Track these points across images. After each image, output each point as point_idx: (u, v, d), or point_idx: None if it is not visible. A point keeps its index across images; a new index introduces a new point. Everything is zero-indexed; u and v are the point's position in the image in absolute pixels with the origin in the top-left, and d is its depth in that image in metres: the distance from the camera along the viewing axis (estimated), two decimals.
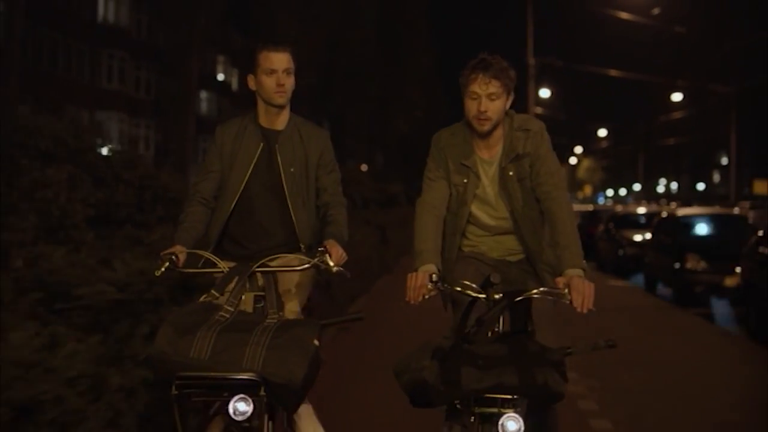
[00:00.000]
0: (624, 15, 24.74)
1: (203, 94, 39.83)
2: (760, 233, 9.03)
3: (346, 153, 38.70)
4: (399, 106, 38.33)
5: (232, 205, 3.20)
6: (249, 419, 2.49)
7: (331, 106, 32.15)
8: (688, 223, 12.49)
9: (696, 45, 40.29)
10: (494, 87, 2.88)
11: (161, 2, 22.57)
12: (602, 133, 67.09)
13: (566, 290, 2.66)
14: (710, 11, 40.27)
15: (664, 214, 13.98)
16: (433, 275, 2.74)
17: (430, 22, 41.49)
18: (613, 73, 28.29)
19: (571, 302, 2.64)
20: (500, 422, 2.46)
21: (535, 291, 2.70)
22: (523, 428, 2.46)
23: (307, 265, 2.91)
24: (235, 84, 42.66)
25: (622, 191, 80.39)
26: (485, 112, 2.90)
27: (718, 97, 36.89)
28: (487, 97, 2.89)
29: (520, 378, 2.43)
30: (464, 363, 2.46)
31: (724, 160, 58.22)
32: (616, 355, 5.64)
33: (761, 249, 8.65)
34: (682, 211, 13.57)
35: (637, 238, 14.49)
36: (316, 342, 2.56)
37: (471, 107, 2.92)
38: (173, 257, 2.89)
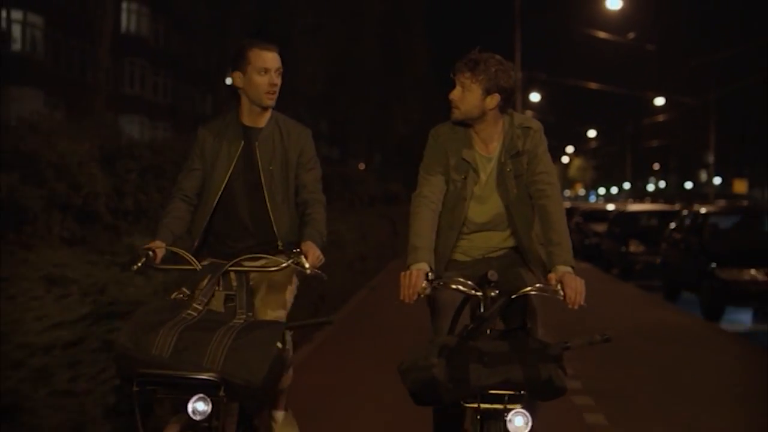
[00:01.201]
0: (602, 34, 28.13)
1: (211, 98, 43.21)
2: (673, 224, 12.50)
3: (349, 154, 41.85)
4: (398, 110, 40.73)
5: (214, 204, 3.20)
6: (208, 419, 2.51)
7: (336, 111, 35.23)
8: (634, 217, 16.02)
9: (666, 61, 44.17)
10: (465, 78, 2.98)
11: (197, 26, 25.79)
12: (591, 133, 70.50)
13: (559, 286, 2.73)
14: (677, 33, 44.10)
15: (622, 209, 17.47)
16: (429, 273, 2.78)
17: (428, 32, 44.64)
18: (592, 85, 31.73)
19: (564, 298, 2.71)
20: (508, 418, 2.51)
21: (530, 288, 2.76)
22: (531, 423, 2.51)
23: (281, 267, 2.92)
24: None
25: (614, 189, 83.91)
26: (451, 99, 3.01)
27: (689, 106, 40.41)
28: (459, 86, 3.00)
29: (525, 374, 2.49)
30: (471, 360, 2.50)
31: (712, 159, 61.55)
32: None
33: (673, 234, 12.10)
34: (631, 208, 17.12)
35: (600, 229, 17.92)
36: (279, 344, 2.58)
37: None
38: (150, 253, 2.92)
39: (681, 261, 11.23)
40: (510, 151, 3.05)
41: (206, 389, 2.50)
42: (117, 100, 35.93)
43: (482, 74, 2.95)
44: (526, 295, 2.78)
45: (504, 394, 2.51)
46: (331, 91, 30.39)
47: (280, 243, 3.17)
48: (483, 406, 2.53)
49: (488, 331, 2.67)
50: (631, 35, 29.56)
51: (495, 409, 2.53)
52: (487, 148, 3.08)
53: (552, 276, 2.80)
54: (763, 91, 43.50)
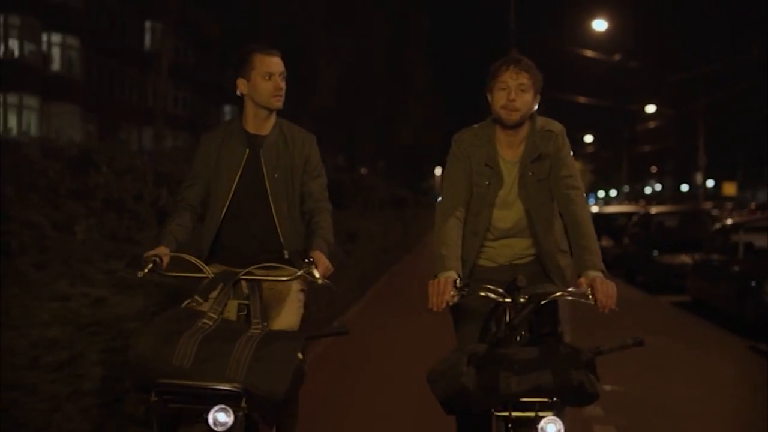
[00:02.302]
0: (590, 53, 31.36)
1: (227, 108, 46.32)
2: (634, 218, 15.71)
3: (357, 161, 44.82)
4: (402, 119, 43.16)
5: (222, 213, 3.19)
6: (228, 430, 2.53)
7: (345, 121, 38.22)
8: (609, 217, 19.31)
9: (649, 75, 47.93)
10: (524, 79, 2.95)
11: (215, 45, 28.72)
12: (588, 138, 73.51)
13: (589, 291, 2.74)
14: (657, 51, 47.81)
15: (600, 211, 20.76)
16: (457, 281, 2.76)
17: (429, 47, 47.78)
18: (581, 99, 34.93)
19: (595, 302, 2.72)
20: (540, 426, 2.52)
21: (559, 293, 2.77)
22: (563, 430, 2.54)
23: (293, 277, 2.95)
24: None
25: (613, 192, 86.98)
26: (514, 101, 2.94)
27: (679, 113, 43.78)
28: (516, 88, 2.94)
29: (556, 380, 2.50)
30: (501, 368, 2.51)
31: (702, 163, 64.51)
32: None
33: (633, 229, 15.29)
34: (607, 209, 20.42)
35: None
36: (300, 355, 2.61)
37: (500, 97, 2.96)
38: (156, 259, 2.92)
39: (635, 251, 14.44)
40: (532, 155, 3.05)
41: (228, 400, 2.52)
42: (144, 114, 39.17)
43: (534, 77, 2.99)
44: (556, 301, 2.80)
45: (535, 402, 2.52)
46: (342, 103, 33.35)
47: (285, 252, 3.18)
48: (514, 414, 2.55)
49: (518, 338, 2.68)
50: (617, 57, 32.75)
51: (527, 417, 2.54)
52: (512, 152, 3.08)
53: (582, 280, 2.80)
54: (748, 98, 46.79)
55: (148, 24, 39.24)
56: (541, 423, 2.53)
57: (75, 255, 4.95)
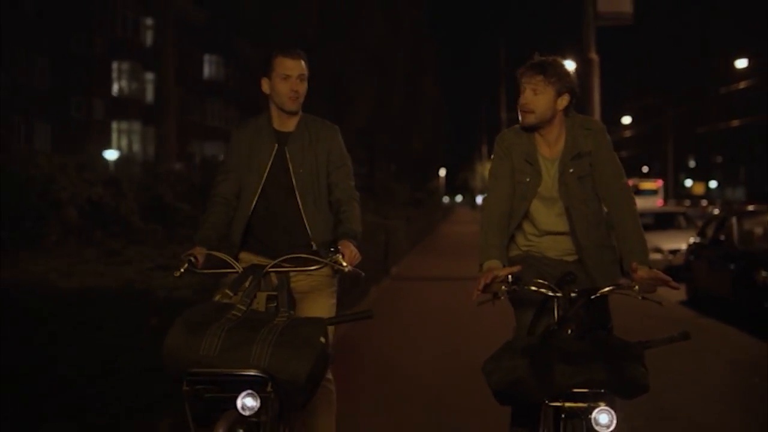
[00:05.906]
0: None
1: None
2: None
3: (376, 167, 53.43)
4: (415, 134, 49.76)
5: (251, 207, 3.43)
6: (257, 414, 2.69)
7: (368, 135, 46.82)
8: None
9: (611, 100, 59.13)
10: (537, 81, 3.11)
11: (257, 70, 37.29)
12: None
13: (636, 287, 2.85)
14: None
15: None
16: (509, 276, 2.90)
17: (438, 67, 56.61)
18: None
19: (642, 298, 2.87)
20: (592, 416, 2.63)
21: (609, 288, 2.88)
22: (615, 421, 2.62)
23: (320, 266, 3.13)
24: None
25: None
26: (525, 104, 3.15)
27: (651, 124, 54.38)
28: (530, 91, 3.13)
29: (608, 372, 2.61)
30: (555, 359, 2.64)
31: (692, 164, 74.49)
32: None
33: None
34: None
35: None
36: (322, 339, 2.76)
37: (519, 101, 3.19)
38: (192, 259, 3.16)
39: None
40: (572, 153, 3.20)
41: (254, 385, 2.69)
42: (204, 131, 48.87)
43: (553, 76, 3.12)
44: (606, 296, 2.91)
45: (588, 393, 2.64)
46: (369, 122, 42.13)
47: (313, 244, 3.40)
48: (567, 404, 2.67)
49: (569, 331, 2.79)
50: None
51: (579, 407, 2.66)
52: (551, 150, 3.24)
53: (634, 275, 2.92)
54: (727, 108, 56.75)
55: (206, 56, 49.35)
56: (593, 413, 2.63)
57: None
